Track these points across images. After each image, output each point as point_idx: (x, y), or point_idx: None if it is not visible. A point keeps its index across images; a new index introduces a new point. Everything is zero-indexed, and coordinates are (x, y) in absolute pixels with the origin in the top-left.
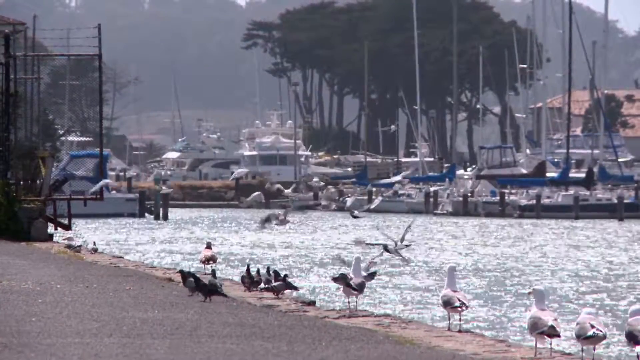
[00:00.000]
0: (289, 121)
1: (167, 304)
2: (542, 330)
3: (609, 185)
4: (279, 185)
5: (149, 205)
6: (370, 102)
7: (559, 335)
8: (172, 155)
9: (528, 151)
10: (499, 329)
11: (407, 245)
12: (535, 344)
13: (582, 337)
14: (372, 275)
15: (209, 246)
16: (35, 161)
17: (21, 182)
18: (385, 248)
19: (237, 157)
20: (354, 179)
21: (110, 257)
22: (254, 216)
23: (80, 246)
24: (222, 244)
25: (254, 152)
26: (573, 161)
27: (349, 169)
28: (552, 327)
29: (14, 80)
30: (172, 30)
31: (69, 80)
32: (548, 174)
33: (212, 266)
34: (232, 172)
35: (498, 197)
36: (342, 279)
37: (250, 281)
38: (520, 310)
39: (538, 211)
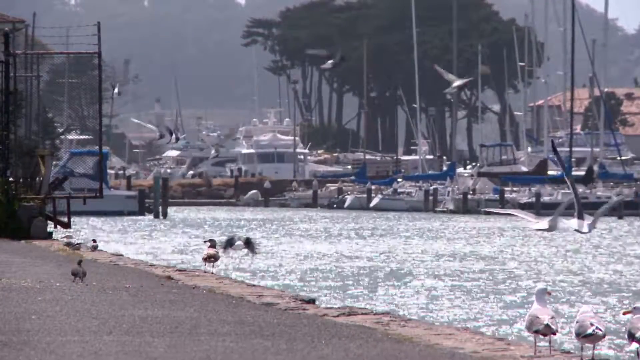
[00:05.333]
0: (287, 119)
1: (167, 302)
2: (538, 329)
3: (611, 184)
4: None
5: (149, 203)
6: (370, 100)
7: (554, 334)
8: (172, 153)
9: (529, 149)
10: (498, 326)
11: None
12: (535, 342)
13: (582, 335)
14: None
15: (212, 244)
16: (35, 159)
17: (21, 181)
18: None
19: (233, 155)
20: (353, 177)
21: (109, 255)
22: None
23: (79, 244)
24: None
25: (252, 150)
26: (573, 159)
27: (349, 167)
28: (547, 325)
29: (14, 78)
30: (172, 28)
31: (68, 78)
32: (550, 172)
33: (213, 265)
34: (231, 170)
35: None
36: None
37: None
38: (521, 307)
39: (538, 209)
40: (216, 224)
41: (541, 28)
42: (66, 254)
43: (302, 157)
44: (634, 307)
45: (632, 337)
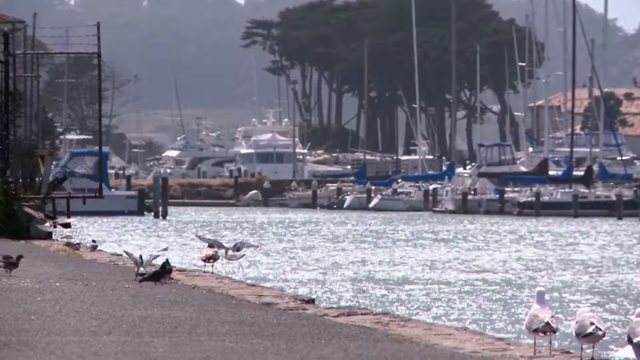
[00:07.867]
0: (286, 119)
1: (166, 302)
2: (538, 328)
3: (611, 184)
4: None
5: (149, 203)
6: (369, 100)
7: (555, 332)
8: (172, 153)
9: (530, 149)
10: (498, 326)
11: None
12: (534, 342)
13: (582, 335)
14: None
15: (211, 245)
16: (35, 159)
17: (20, 181)
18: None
19: (232, 155)
20: (352, 177)
21: (109, 255)
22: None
23: (79, 244)
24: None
25: (251, 150)
26: (574, 160)
27: (348, 167)
28: (548, 324)
29: (14, 78)
30: (172, 28)
31: (67, 79)
32: (550, 172)
33: (212, 266)
34: (230, 171)
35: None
36: None
37: None
38: (521, 308)
39: (537, 209)
40: (215, 224)
41: (540, 28)
42: (66, 254)
43: (301, 157)
44: (636, 311)
45: (630, 342)
